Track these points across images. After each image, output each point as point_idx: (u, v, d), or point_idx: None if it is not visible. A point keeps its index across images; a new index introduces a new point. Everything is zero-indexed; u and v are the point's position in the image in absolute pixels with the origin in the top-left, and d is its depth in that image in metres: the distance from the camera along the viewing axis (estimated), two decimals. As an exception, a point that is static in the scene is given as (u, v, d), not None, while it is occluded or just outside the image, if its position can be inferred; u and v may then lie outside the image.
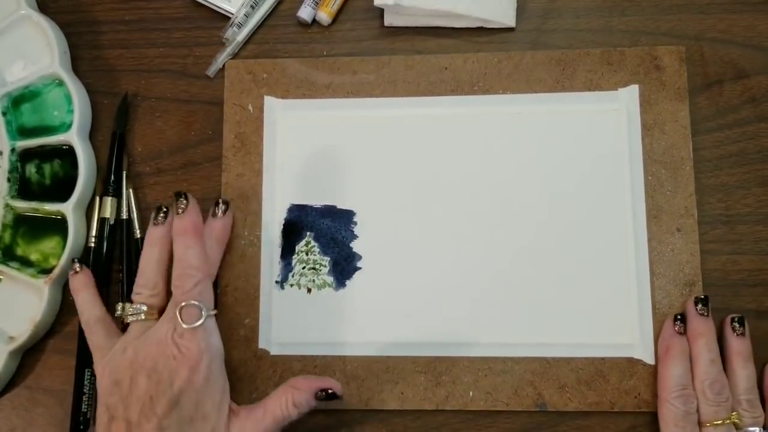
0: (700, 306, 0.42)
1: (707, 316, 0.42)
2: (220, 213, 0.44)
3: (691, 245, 0.44)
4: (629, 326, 0.43)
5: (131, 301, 0.41)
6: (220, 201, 0.45)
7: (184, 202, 0.41)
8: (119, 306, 0.43)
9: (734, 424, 0.40)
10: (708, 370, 0.41)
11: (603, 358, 0.43)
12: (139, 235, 0.46)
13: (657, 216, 0.44)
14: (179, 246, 0.40)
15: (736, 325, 0.42)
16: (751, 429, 0.40)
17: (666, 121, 0.45)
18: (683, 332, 0.42)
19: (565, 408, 0.43)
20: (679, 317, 0.42)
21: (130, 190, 0.47)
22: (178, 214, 0.41)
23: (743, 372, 0.41)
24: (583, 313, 0.44)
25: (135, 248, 0.46)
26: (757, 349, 0.43)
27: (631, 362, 0.43)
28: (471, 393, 0.43)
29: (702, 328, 0.42)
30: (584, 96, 0.46)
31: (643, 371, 0.43)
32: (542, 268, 0.44)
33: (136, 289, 0.41)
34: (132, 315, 0.41)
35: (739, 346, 0.42)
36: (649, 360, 0.43)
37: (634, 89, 0.46)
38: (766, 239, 0.44)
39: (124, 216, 0.47)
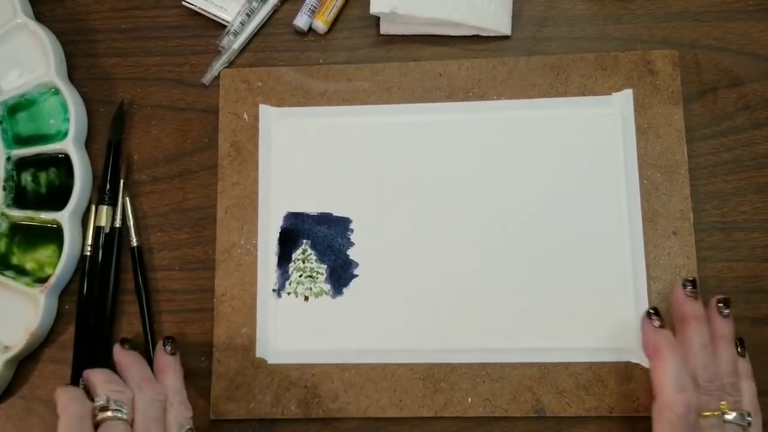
0: (690, 288, 0.40)
1: (696, 298, 0.40)
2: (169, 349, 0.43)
3: (687, 249, 0.44)
4: (627, 330, 0.43)
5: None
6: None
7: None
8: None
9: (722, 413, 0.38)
10: (699, 355, 0.39)
11: (601, 363, 0.43)
12: (135, 244, 0.46)
13: (653, 220, 0.44)
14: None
15: (723, 307, 0.40)
16: (731, 413, 0.38)
17: (660, 125, 0.45)
18: (663, 325, 0.40)
19: (563, 413, 0.43)
20: (652, 311, 0.41)
21: (127, 198, 0.47)
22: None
23: (727, 355, 0.40)
24: (581, 317, 0.44)
25: (131, 256, 0.46)
26: (755, 355, 0.43)
27: (629, 366, 0.43)
28: (469, 399, 0.43)
29: (693, 310, 0.40)
30: (578, 101, 0.46)
31: (641, 375, 0.43)
32: (539, 273, 0.44)
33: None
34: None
35: (724, 329, 0.40)
36: (647, 364, 0.43)
37: (628, 93, 0.46)
38: (762, 246, 0.45)
39: (118, 224, 0.47)
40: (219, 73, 0.48)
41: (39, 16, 0.50)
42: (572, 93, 0.46)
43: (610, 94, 0.46)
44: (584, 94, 0.46)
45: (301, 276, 0.45)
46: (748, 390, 0.40)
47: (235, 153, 0.47)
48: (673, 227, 0.44)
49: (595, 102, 0.46)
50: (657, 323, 0.40)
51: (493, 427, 0.43)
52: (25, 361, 0.46)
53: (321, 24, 0.48)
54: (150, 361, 0.44)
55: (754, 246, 0.45)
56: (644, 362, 0.43)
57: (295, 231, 0.46)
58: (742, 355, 0.41)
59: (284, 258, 0.46)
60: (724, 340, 0.40)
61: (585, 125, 0.46)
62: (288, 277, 0.45)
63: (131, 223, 0.47)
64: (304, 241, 0.46)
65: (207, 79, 0.48)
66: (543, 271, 0.44)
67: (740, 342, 0.41)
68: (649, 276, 0.44)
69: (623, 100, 0.46)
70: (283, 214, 0.46)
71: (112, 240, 0.46)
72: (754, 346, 0.43)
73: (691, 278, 0.41)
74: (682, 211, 0.44)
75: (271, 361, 0.44)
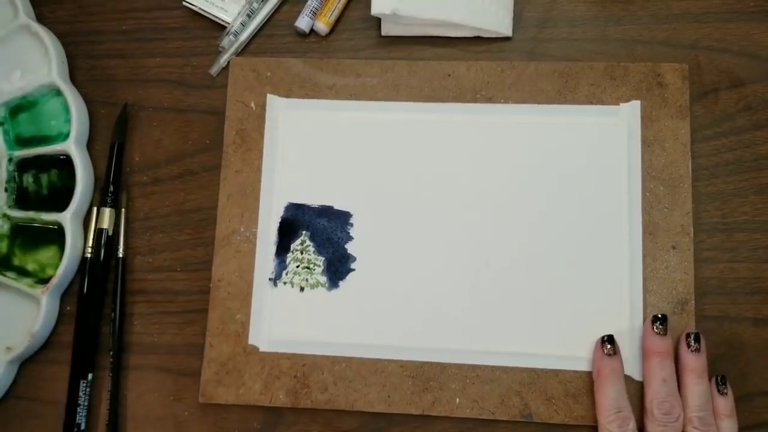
0: (657, 324, 0.41)
1: (664, 335, 0.41)
2: None
3: (685, 263, 0.44)
4: (620, 341, 0.43)
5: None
6: None
7: None
8: None
9: None
10: (658, 389, 0.40)
11: (591, 372, 0.43)
12: (122, 254, 0.47)
13: (653, 232, 0.44)
14: None
15: (692, 341, 0.41)
16: None
17: (666, 138, 0.45)
18: (612, 353, 0.42)
19: (551, 420, 0.43)
20: (606, 338, 0.42)
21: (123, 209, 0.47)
22: None
23: (696, 388, 0.40)
24: (574, 325, 0.43)
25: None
26: (756, 358, 0.43)
27: None
28: (457, 400, 0.43)
29: (657, 346, 0.41)
30: (585, 109, 0.46)
31: (630, 387, 0.42)
32: (535, 278, 0.44)
33: None
34: None
35: (693, 363, 0.41)
36: (638, 377, 0.42)
37: (635, 105, 0.46)
38: (764, 247, 0.45)
39: (121, 230, 0.47)
40: (228, 63, 0.48)
41: (40, 18, 0.50)
42: (580, 101, 0.46)
43: (618, 104, 0.46)
44: (592, 103, 0.46)
45: (298, 267, 0.45)
46: (727, 429, 0.40)
47: (240, 141, 0.47)
48: (672, 241, 0.44)
49: (602, 111, 0.46)
50: (607, 351, 0.42)
51: (495, 429, 0.43)
52: (27, 363, 0.46)
53: (322, 25, 0.48)
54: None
55: (756, 247, 0.45)
56: (635, 374, 0.43)
57: (295, 222, 0.46)
58: (723, 393, 0.41)
59: (282, 248, 0.46)
60: (694, 374, 0.40)
61: (591, 134, 0.46)
62: (285, 267, 0.46)
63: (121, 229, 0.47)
64: (304, 232, 0.46)
65: (214, 70, 0.48)
66: (539, 276, 0.44)
67: (722, 379, 0.41)
68: (646, 289, 0.44)
69: (630, 111, 0.46)
70: (285, 204, 0.46)
71: (116, 243, 0.47)
72: (756, 347, 0.43)
73: (661, 315, 0.42)
74: (682, 226, 0.44)
75: (263, 349, 0.44)
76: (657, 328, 0.41)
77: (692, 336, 0.41)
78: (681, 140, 0.45)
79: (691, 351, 0.41)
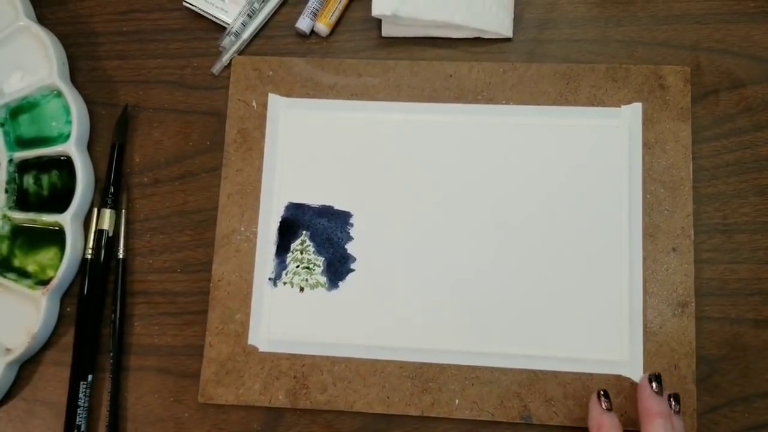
0: (654, 385, 0.39)
1: (661, 394, 0.39)
2: None
3: (685, 266, 0.44)
4: (619, 344, 0.43)
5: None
6: None
7: None
8: None
9: None
10: None
11: (591, 374, 0.43)
12: (122, 255, 0.47)
13: (653, 235, 0.44)
14: None
15: (674, 402, 0.40)
16: None
17: (667, 141, 0.45)
18: (611, 408, 0.40)
19: (550, 422, 0.43)
20: (602, 393, 0.40)
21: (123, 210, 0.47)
22: None
23: None
24: (574, 327, 0.43)
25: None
26: (757, 359, 0.43)
27: (619, 380, 0.43)
28: (456, 401, 0.43)
29: (658, 407, 0.38)
30: (587, 111, 0.46)
31: (630, 390, 0.42)
32: (535, 280, 0.44)
33: None
34: None
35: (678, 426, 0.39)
36: (637, 379, 0.42)
37: (637, 107, 0.46)
38: (764, 248, 0.45)
39: (122, 231, 0.47)
40: (229, 63, 0.48)
41: (41, 19, 0.50)
42: (581, 102, 0.46)
43: (619, 106, 0.46)
44: (593, 105, 0.46)
45: (298, 267, 0.46)
46: None
47: (241, 140, 0.47)
48: (673, 243, 0.44)
49: (604, 113, 0.46)
50: (605, 405, 0.40)
51: (495, 430, 0.43)
52: (27, 364, 0.46)
53: (323, 27, 0.48)
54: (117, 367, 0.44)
55: (756, 248, 0.45)
56: (634, 376, 0.43)
57: (295, 222, 0.46)
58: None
59: (282, 247, 0.46)
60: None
61: (592, 136, 0.46)
62: (285, 267, 0.46)
63: (122, 230, 0.47)
64: (304, 232, 0.46)
65: (217, 68, 0.49)
66: (539, 279, 0.44)
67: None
68: (646, 291, 0.44)
69: (632, 113, 0.46)
70: (285, 203, 0.46)
71: (116, 244, 0.47)
72: (756, 348, 0.43)
73: (656, 374, 0.40)
74: (683, 228, 0.44)
75: (262, 349, 0.44)
76: (656, 388, 0.39)
77: (673, 397, 0.40)
78: (682, 143, 0.45)
79: (675, 413, 0.40)
